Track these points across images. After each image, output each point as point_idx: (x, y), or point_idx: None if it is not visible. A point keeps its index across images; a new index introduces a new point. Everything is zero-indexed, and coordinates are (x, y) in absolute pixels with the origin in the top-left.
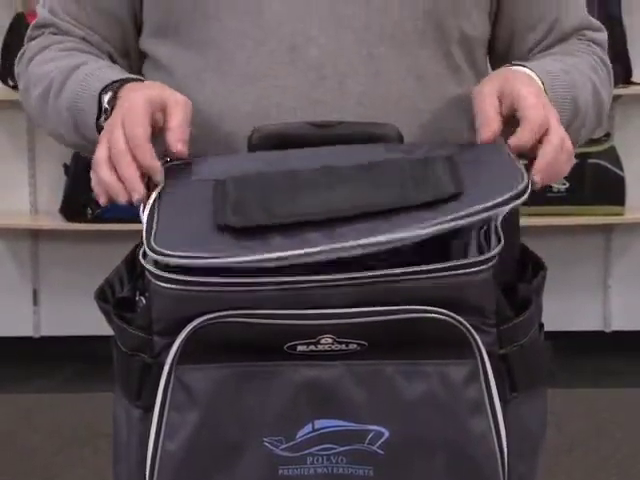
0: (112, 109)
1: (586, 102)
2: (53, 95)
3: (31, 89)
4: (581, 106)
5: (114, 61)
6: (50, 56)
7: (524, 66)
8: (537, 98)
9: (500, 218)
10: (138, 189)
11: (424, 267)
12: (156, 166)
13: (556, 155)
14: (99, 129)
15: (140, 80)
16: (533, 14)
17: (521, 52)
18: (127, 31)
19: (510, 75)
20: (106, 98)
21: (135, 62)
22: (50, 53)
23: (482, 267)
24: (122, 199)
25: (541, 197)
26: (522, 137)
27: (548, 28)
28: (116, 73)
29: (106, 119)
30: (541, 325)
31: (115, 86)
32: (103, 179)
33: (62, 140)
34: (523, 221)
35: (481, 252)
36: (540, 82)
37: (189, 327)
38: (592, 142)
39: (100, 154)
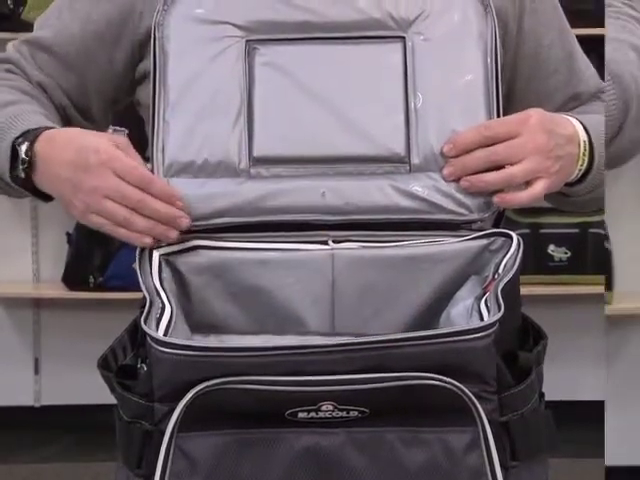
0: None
1: (634, 75)
2: None
3: None
4: (629, 82)
5: (67, 115)
6: None
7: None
8: (523, 124)
9: (501, 286)
10: (180, 215)
11: (425, 333)
12: (176, 194)
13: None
14: (13, 178)
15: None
16: (550, 86)
17: None
18: (90, 89)
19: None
20: (23, 148)
21: (99, 122)
22: None
23: (483, 334)
24: (172, 235)
25: (542, 266)
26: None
27: (566, 99)
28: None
29: (25, 170)
30: (542, 394)
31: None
32: (141, 227)
33: None
34: (524, 290)
35: (482, 319)
36: (580, 126)
37: (190, 394)
38: (593, 212)
39: (119, 211)
